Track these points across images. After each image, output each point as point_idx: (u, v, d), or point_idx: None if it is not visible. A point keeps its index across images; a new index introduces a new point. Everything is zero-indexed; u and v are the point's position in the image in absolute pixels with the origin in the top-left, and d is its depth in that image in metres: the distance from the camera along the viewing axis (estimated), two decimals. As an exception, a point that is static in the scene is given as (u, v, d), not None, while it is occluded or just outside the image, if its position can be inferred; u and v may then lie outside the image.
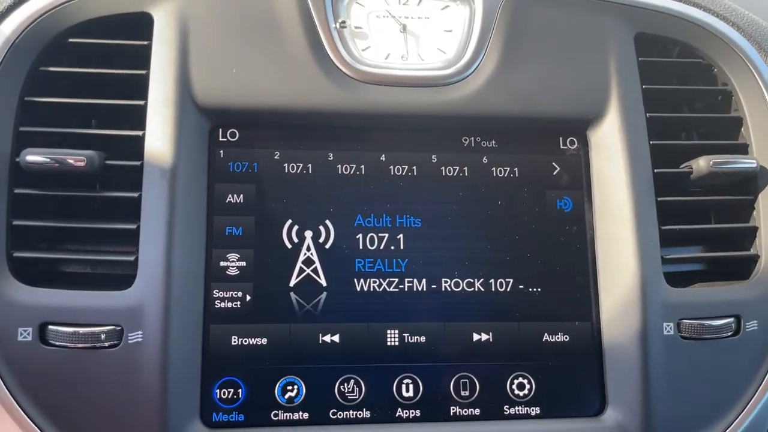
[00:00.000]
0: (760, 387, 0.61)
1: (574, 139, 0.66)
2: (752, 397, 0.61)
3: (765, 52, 0.69)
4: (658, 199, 0.63)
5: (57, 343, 0.54)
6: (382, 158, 0.63)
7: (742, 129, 0.68)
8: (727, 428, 0.61)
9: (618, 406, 0.60)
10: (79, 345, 0.54)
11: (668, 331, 0.59)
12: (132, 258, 0.56)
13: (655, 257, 0.61)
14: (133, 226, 0.57)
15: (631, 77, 0.65)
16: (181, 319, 0.56)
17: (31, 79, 0.60)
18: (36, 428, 0.54)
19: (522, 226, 0.63)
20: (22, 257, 0.57)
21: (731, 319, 0.61)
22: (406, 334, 0.60)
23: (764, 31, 0.70)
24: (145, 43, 0.61)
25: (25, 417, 0.54)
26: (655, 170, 0.63)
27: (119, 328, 0.54)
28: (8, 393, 0.54)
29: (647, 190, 0.62)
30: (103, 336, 0.54)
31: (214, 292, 0.59)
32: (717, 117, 0.70)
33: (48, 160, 0.56)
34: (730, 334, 0.61)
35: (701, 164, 0.64)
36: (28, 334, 0.54)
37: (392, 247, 0.61)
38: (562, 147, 0.65)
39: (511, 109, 0.63)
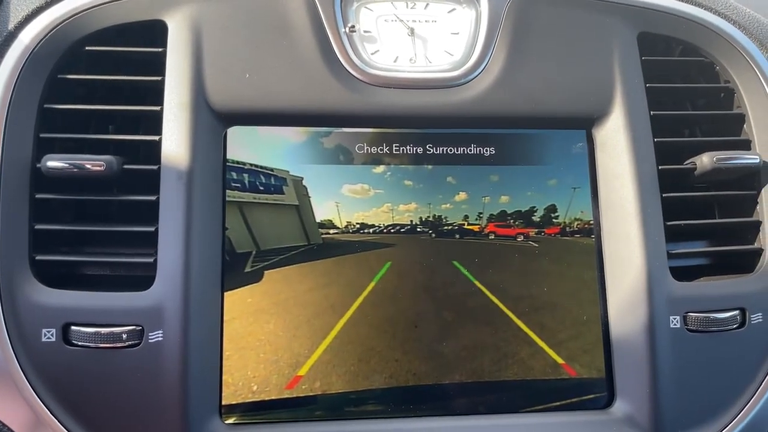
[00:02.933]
0: (766, 378, 0.62)
1: (580, 137, 0.67)
2: (758, 388, 0.62)
3: (766, 49, 0.69)
4: (663, 195, 0.64)
5: (80, 344, 0.55)
6: (392, 159, 0.64)
7: (745, 125, 0.69)
8: (734, 418, 0.62)
9: (626, 399, 0.61)
10: (101, 345, 0.55)
11: (675, 325, 0.60)
12: (151, 259, 0.58)
13: (661, 252, 0.62)
14: (152, 229, 0.58)
15: (634, 76, 0.66)
16: (199, 317, 0.57)
17: (49, 86, 0.61)
18: (61, 426, 0.55)
19: (529, 223, 0.64)
20: (44, 260, 0.58)
21: (736, 312, 0.62)
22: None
23: (765, 29, 0.71)
24: (160, 49, 0.62)
25: (50, 415, 0.55)
26: (660, 167, 0.64)
27: (140, 328, 0.56)
28: (33, 392, 0.55)
29: (652, 187, 0.63)
30: (124, 336, 0.55)
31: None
32: (720, 114, 0.71)
33: (68, 165, 0.57)
34: (735, 326, 0.62)
35: (705, 160, 0.65)
36: (52, 334, 0.55)
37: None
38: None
39: (518, 109, 0.64)
